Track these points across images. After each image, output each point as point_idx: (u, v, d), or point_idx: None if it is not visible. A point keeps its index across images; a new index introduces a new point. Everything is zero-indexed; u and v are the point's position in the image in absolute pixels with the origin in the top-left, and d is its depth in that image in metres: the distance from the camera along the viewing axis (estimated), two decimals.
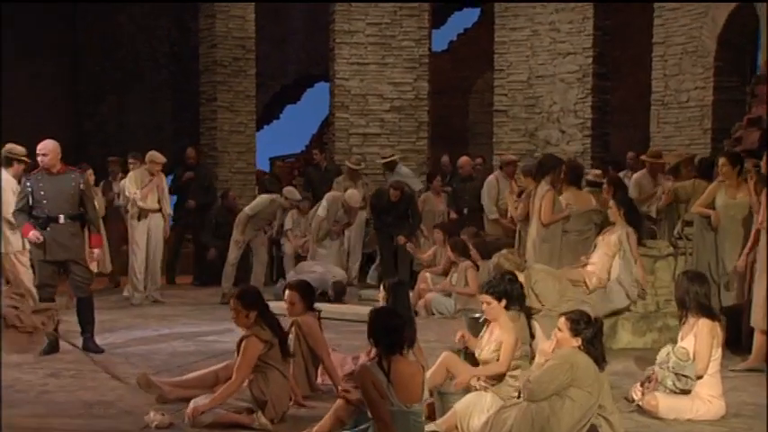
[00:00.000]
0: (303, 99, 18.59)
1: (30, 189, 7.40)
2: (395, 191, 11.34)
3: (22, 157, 8.31)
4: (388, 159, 12.18)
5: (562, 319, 4.94)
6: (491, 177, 11.04)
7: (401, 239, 11.18)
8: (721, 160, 7.68)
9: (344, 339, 8.18)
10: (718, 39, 11.19)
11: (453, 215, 11.67)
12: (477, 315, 7.67)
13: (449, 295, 9.74)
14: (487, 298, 5.56)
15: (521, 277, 6.49)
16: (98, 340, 7.66)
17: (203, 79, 13.45)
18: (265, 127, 18.04)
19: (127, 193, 10.50)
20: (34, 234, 7.34)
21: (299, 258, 11.49)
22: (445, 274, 10.13)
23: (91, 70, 15.28)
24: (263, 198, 11.00)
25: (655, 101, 11.95)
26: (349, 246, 12.08)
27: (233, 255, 10.72)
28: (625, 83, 13.63)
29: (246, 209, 10.79)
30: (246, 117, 13.47)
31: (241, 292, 5.84)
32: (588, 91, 12.63)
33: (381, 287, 6.28)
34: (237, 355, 5.68)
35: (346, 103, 13.61)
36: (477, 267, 9.81)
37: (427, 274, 10.16)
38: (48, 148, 7.41)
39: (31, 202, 7.38)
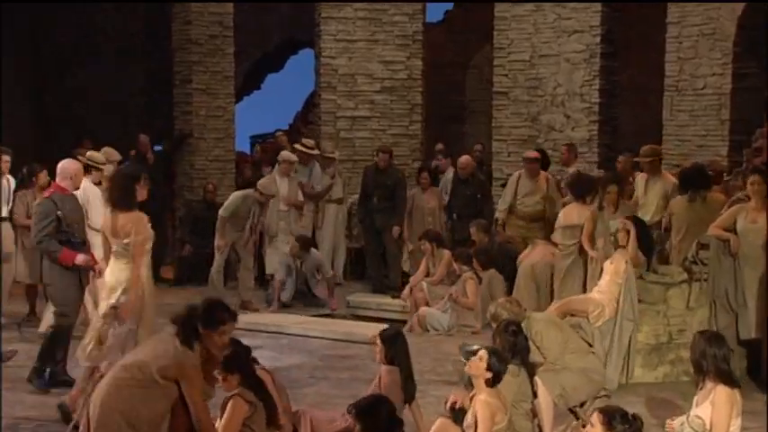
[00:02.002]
0: (286, 67, 18.30)
1: (60, 212, 7.07)
2: (383, 154, 11.19)
3: (101, 165, 8.57)
4: (307, 150, 11.73)
5: (595, 415, 4.77)
6: (514, 175, 10.81)
7: (396, 231, 11.04)
8: (753, 178, 7.52)
9: (332, 371, 8.06)
10: (738, 21, 10.96)
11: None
12: (475, 348, 7.63)
13: (445, 311, 9.62)
14: (477, 363, 5.43)
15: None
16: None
17: (177, 59, 13.18)
18: (245, 98, 17.77)
19: None
20: (84, 258, 7.04)
21: None
22: (442, 283, 10.06)
23: (57, 42, 14.96)
24: (235, 196, 10.79)
25: (668, 86, 11.73)
26: (334, 241, 11.98)
27: (217, 261, 10.61)
28: (635, 62, 13.37)
29: (221, 210, 10.62)
30: (225, 100, 13.25)
31: (226, 357, 5.67)
32: (596, 73, 12.39)
33: (378, 339, 6.12)
34: (221, 416, 5.56)
35: (333, 83, 13.39)
36: (480, 279, 9.68)
37: (424, 284, 10.06)
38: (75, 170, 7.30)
39: (62, 226, 7.05)
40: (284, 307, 10.66)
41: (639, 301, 7.63)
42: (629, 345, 7.45)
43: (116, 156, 9.77)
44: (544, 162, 11.05)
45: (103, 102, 14.87)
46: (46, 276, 7.34)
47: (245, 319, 9.52)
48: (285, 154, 11.49)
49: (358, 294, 11.14)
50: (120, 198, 6.66)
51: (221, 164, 13.22)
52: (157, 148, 13.22)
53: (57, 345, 7.30)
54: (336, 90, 13.37)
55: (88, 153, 8.90)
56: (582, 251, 8.57)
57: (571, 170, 10.84)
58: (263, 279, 11.60)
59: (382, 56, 13.30)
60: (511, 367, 5.75)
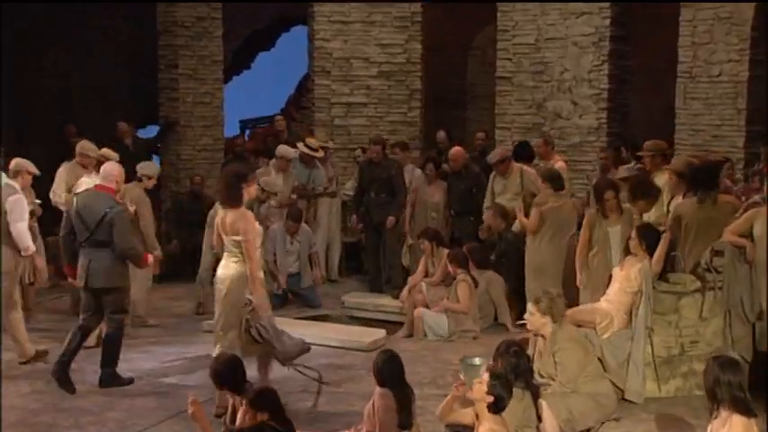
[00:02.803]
0: (278, 45, 18.12)
1: None
2: (376, 146, 11.17)
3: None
4: (310, 153, 11.60)
5: None
6: (493, 172, 10.73)
7: (390, 221, 11.02)
8: None
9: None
10: (756, 5, 10.83)
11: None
12: (476, 362, 7.58)
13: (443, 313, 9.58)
14: (480, 386, 5.38)
15: (545, 329, 6.30)
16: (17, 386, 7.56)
17: (162, 42, 13.06)
18: (234, 78, 17.61)
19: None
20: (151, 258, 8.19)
21: None
22: (442, 283, 9.97)
23: (35, 23, 14.78)
24: None
25: (681, 72, 11.63)
26: (328, 236, 11.92)
27: (206, 259, 10.46)
28: (647, 46, 13.22)
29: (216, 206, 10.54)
30: (213, 86, 13.16)
31: (256, 393, 5.63)
32: (605, 57, 12.30)
33: (374, 366, 6.07)
34: None
35: (327, 67, 13.28)
36: (476, 282, 9.61)
37: (423, 284, 10.00)
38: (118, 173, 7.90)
39: None
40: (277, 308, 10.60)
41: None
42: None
43: (113, 156, 9.63)
44: (524, 154, 11.01)
45: (85, 86, 14.73)
46: (109, 281, 7.76)
47: None
48: (282, 149, 11.40)
49: (354, 294, 11.07)
50: (228, 196, 7.10)
51: (209, 153, 13.14)
52: (144, 133, 13.17)
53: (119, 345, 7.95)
54: (331, 75, 13.26)
55: (102, 150, 9.28)
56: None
57: (550, 165, 10.82)
58: None
59: (379, 38, 13.17)
60: (514, 390, 5.71)
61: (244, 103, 17.55)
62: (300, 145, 11.74)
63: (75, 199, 7.92)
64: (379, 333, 9.41)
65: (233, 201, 7.07)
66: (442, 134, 12.83)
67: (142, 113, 15.02)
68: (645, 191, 8.58)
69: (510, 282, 9.98)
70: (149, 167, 9.89)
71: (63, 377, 7.72)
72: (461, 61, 15.25)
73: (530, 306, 6.45)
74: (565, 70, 12.54)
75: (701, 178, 8.28)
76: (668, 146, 10.21)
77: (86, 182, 8.92)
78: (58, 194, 9.98)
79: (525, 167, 10.66)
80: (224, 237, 7.10)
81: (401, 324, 10.03)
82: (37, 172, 8.97)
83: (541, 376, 6.51)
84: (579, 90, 12.48)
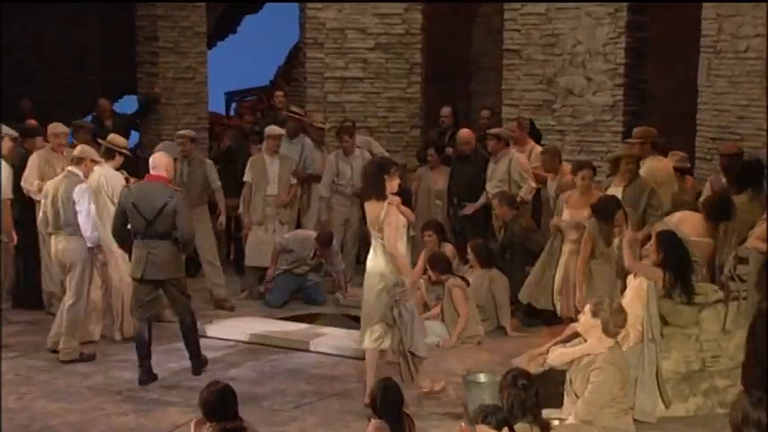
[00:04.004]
0: (267, 8, 17.95)
1: None
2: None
3: (123, 149, 9.20)
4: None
5: None
6: None
7: None
8: None
9: (319, 398, 7.99)
10: None
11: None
12: (481, 378, 7.59)
13: (443, 319, 9.56)
14: (484, 429, 5.34)
15: (593, 335, 6.24)
16: None
17: (140, 12, 12.95)
18: (219, 44, 17.47)
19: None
20: None
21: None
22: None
23: None
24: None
25: (705, 47, 11.51)
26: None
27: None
28: (666, 14, 13.09)
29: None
30: (196, 60, 13.13)
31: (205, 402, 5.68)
32: (621, 29, 12.18)
33: (369, 395, 6.05)
34: None
35: (320, 39, 13.22)
36: (468, 283, 9.56)
37: (422, 283, 9.93)
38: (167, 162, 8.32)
39: None
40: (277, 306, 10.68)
41: (668, 323, 7.54)
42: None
43: (122, 143, 9.56)
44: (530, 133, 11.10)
45: (57, 57, 14.60)
46: (170, 271, 8.21)
47: (221, 327, 9.66)
48: (270, 128, 11.36)
49: (350, 291, 11.00)
50: (370, 189, 7.57)
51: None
52: (122, 107, 13.10)
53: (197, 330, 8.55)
54: (324, 47, 13.19)
55: (109, 137, 9.38)
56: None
57: (527, 150, 10.85)
58: (239, 267, 11.65)
59: (376, 7, 13.09)
60: (522, 426, 5.68)
61: (229, 73, 17.37)
62: (294, 108, 11.96)
63: (127, 191, 8.23)
64: None
65: (376, 193, 7.48)
66: (447, 110, 12.55)
67: (118, 84, 14.92)
68: (725, 211, 8.34)
69: (513, 278, 9.94)
70: (120, 139, 9.58)
71: (151, 378, 8.23)
72: (465, 30, 15.16)
73: (587, 305, 6.35)
74: (578, 43, 12.42)
75: (753, 174, 8.19)
76: (658, 134, 10.20)
77: (98, 170, 9.04)
78: (29, 182, 9.99)
79: (516, 153, 10.64)
80: (371, 230, 7.60)
81: None
82: (101, 160, 9.16)
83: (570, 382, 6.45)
84: (593, 64, 12.37)
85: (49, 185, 8.89)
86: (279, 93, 13.30)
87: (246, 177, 11.16)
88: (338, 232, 11.32)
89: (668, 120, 12.72)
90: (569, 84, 12.53)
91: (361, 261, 12.06)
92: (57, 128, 10.13)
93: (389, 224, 7.47)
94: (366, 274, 7.74)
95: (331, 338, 9.45)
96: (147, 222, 8.07)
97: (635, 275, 7.71)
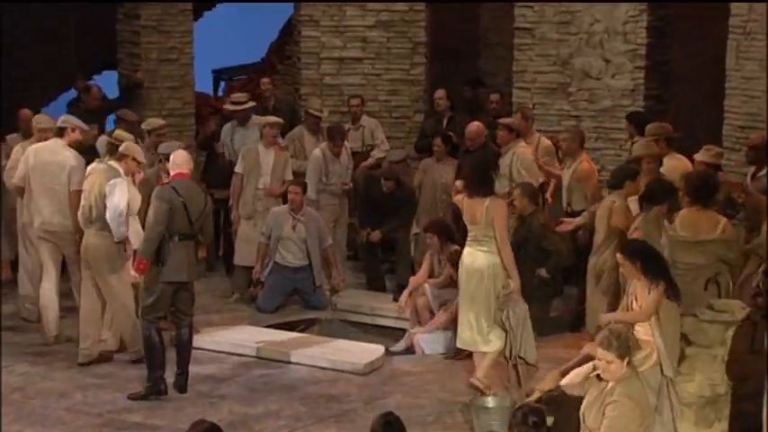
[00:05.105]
0: None
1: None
2: (387, 181, 11.20)
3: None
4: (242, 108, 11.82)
5: None
6: None
7: (375, 236, 11.11)
8: None
9: (315, 421, 7.98)
10: None
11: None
12: (488, 403, 7.59)
13: (447, 328, 9.55)
14: None
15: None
16: None
17: None
18: (206, 15, 17.31)
19: None
20: None
21: None
22: (449, 285, 9.89)
23: None
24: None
25: (734, 27, 11.40)
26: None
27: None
28: None
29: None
30: (181, 40, 13.02)
31: None
32: (642, 7, 12.08)
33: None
34: None
35: (316, 16, 13.12)
36: None
37: (427, 286, 9.96)
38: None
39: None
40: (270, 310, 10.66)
41: (691, 343, 7.49)
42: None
43: (128, 137, 9.54)
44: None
45: (30, 33, 14.54)
46: (194, 274, 8.61)
47: (208, 337, 9.63)
48: (267, 117, 11.30)
49: (347, 293, 11.01)
50: (477, 184, 8.02)
51: (177, 119, 13.00)
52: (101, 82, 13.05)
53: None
54: (320, 25, 13.10)
55: (115, 132, 9.55)
56: None
57: (533, 142, 10.83)
58: (229, 265, 11.64)
59: None
60: None
61: (217, 48, 17.24)
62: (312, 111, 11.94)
63: (171, 190, 8.30)
64: (377, 351, 9.39)
65: (483, 189, 7.97)
66: (440, 92, 12.46)
67: (96, 59, 14.84)
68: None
69: (525, 277, 9.87)
70: (126, 134, 9.64)
71: (164, 389, 8.35)
72: (473, 4, 15.02)
73: (601, 352, 6.16)
74: (595, 21, 12.31)
75: None
76: (674, 129, 10.14)
77: (97, 168, 9.07)
78: (10, 175, 10.04)
79: (520, 147, 10.58)
80: (470, 226, 8.03)
81: (403, 331, 10.00)
82: (144, 161, 9.43)
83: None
84: (612, 45, 12.27)
85: (91, 178, 9.01)
86: (265, 80, 13.18)
87: (238, 168, 11.15)
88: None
89: (693, 106, 12.65)
90: (586, 66, 12.42)
91: (351, 259, 12.16)
92: (43, 121, 10.12)
93: (500, 221, 7.97)
94: (464, 273, 8.11)
95: (328, 350, 9.44)
96: (190, 223, 8.31)
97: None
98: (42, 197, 9.45)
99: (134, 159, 9.08)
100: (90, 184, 8.95)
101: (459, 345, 8.47)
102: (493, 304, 8.02)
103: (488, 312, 8.03)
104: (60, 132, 9.59)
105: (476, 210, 7.98)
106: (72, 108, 12.24)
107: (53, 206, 9.42)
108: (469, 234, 8.12)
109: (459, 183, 8.38)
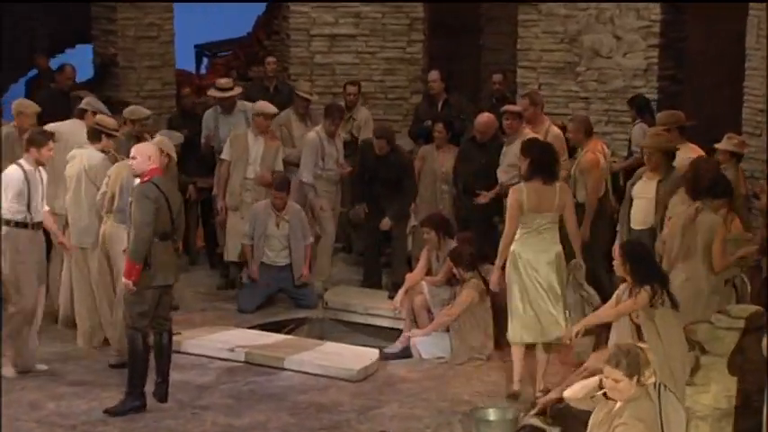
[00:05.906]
0: None
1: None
2: (379, 140, 11.06)
3: (113, 131, 9.46)
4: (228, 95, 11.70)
5: None
6: None
7: (385, 224, 10.97)
8: None
9: None
10: None
11: None
12: (490, 416, 7.53)
13: (447, 330, 9.50)
14: None
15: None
16: None
17: None
18: None
19: None
20: None
21: None
22: (448, 283, 9.86)
23: None
24: None
25: (755, 3, 11.30)
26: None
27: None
28: None
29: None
30: (161, 15, 13.05)
31: None
32: None
33: None
34: None
35: None
36: (488, 287, 9.43)
37: (424, 285, 9.90)
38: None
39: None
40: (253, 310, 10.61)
41: (706, 352, 7.44)
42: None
43: (111, 123, 9.62)
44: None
45: None
46: (178, 277, 8.66)
47: (191, 340, 9.54)
48: (261, 104, 11.23)
49: (339, 290, 10.98)
50: (548, 170, 8.33)
51: (157, 101, 13.01)
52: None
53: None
54: None
55: (97, 117, 9.62)
56: None
57: (542, 130, 10.61)
58: (212, 257, 11.71)
59: None
60: None
61: (200, 22, 17.14)
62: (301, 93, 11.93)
63: (152, 186, 8.13)
64: (371, 355, 9.29)
65: (555, 175, 8.41)
66: (434, 74, 12.37)
67: (63, 33, 14.77)
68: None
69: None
70: (108, 120, 9.71)
71: (143, 404, 8.24)
72: None
73: (608, 370, 6.01)
74: None
75: None
76: (687, 116, 10.05)
77: (86, 153, 9.28)
78: None
79: (530, 134, 10.46)
80: (533, 213, 8.29)
81: (399, 331, 9.92)
82: (174, 156, 9.70)
83: None
84: (624, 21, 12.31)
85: (118, 166, 9.12)
86: (271, 59, 13.00)
87: (224, 155, 11.08)
88: None
89: (710, 87, 12.58)
90: (595, 43, 12.46)
91: (345, 250, 12.10)
92: (26, 106, 10.14)
93: (571, 204, 8.51)
94: (532, 261, 8.32)
95: (319, 354, 9.36)
96: (172, 222, 8.24)
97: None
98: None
99: (167, 156, 9.31)
100: (115, 174, 9.05)
101: (529, 340, 8.48)
102: (564, 290, 8.40)
103: (562, 299, 8.38)
104: (81, 114, 9.86)
105: (548, 196, 8.28)
106: (35, 89, 12.15)
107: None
108: (529, 225, 8.30)
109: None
